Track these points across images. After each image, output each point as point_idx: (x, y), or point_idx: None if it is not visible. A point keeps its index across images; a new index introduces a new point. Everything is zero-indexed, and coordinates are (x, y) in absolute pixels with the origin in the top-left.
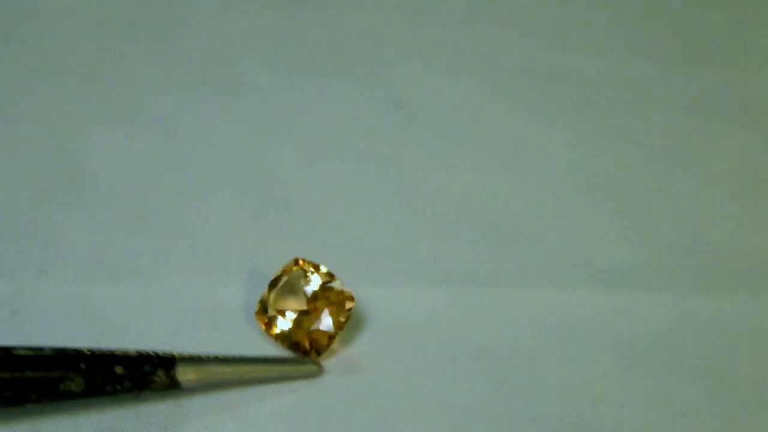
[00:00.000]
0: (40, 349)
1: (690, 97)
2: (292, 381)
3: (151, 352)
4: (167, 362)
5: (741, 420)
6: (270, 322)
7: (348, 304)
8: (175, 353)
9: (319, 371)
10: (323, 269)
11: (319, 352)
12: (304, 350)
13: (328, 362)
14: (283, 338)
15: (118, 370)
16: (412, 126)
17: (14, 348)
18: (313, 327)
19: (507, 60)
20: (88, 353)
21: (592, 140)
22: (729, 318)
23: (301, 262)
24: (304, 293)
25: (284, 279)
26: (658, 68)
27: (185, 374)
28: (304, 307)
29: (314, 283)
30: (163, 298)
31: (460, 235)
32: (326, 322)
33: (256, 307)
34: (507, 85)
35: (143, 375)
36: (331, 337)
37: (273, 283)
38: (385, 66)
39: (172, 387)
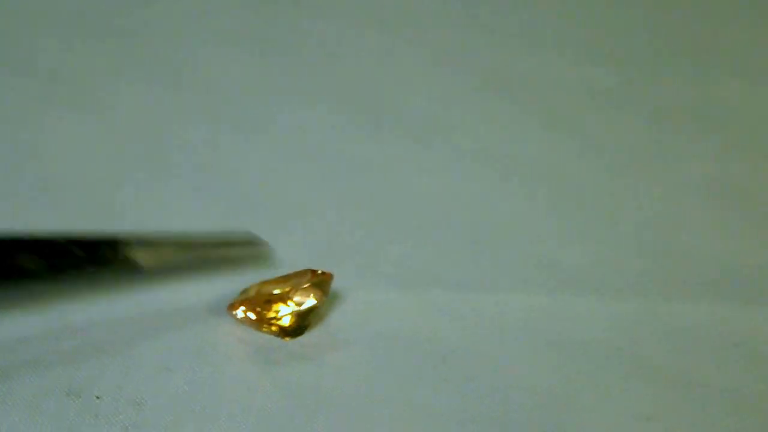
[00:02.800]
0: None
1: (656, 105)
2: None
3: (108, 234)
4: (125, 243)
5: (706, 425)
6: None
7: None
8: (132, 235)
9: (268, 255)
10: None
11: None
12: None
13: (288, 366)
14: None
15: (77, 251)
16: (381, 129)
17: None
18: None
19: (475, 65)
20: (44, 238)
21: (559, 146)
22: (695, 323)
23: None
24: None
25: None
26: (625, 76)
27: (142, 255)
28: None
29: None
30: (127, 298)
31: (426, 240)
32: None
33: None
34: (475, 91)
35: (102, 256)
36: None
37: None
38: (352, 68)
39: (130, 265)
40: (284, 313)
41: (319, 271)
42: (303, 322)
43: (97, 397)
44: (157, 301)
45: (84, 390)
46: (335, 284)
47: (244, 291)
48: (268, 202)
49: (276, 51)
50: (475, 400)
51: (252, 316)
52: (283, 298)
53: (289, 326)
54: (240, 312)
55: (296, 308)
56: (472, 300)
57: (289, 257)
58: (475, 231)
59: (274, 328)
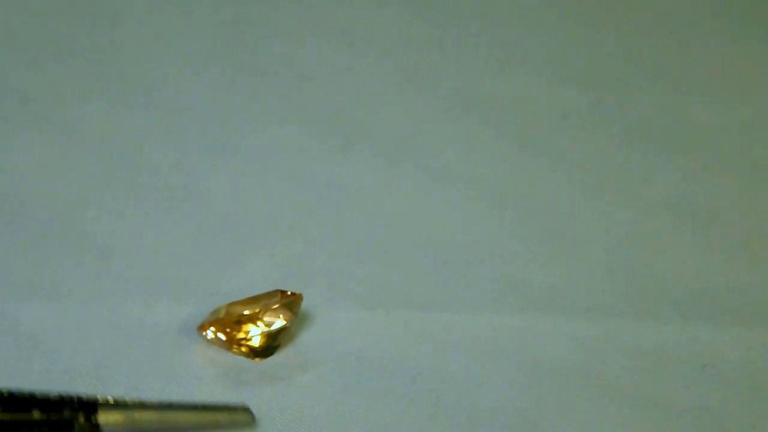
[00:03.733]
0: None
1: (625, 125)
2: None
3: (73, 395)
4: (89, 406)
5: None
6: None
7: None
8: (98, 397)
9: (252, 421)
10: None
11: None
12: (255, 350)
13: (258, 387)
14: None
15: (36, 414)
16: (350, 150)
17: None
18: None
19: (445, 86)
20: (4, 395)
21: (529, 167)
22: (663, 344)
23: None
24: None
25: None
26: (594, 97)
27: (107, 419)
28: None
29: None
30: (96, 319)
31: (396, 260)
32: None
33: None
34: (444, 111)
35: (63, 420)
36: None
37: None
38: (321, 89)
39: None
40: (254, 334)
41: (289, 292)
42: (273, 343)
43: None
44: (127, 322)
45: None
46: (305, 305)
47: (214, 312)
48: (237, 224)
49: (244, 72)
50: (444, 420)
51: (222, 336)
52: (253, 319)
53: (259, 347)
54: (210, 333)
55: (266, 329)
56: (441, 320)
57: (259, 278)
58: (445, 251)
59: (243, 349)
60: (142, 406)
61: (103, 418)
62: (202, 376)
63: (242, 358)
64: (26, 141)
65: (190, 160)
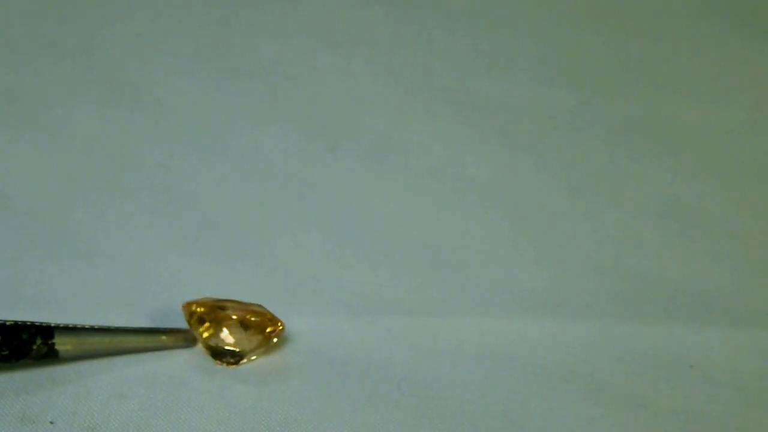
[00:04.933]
0: None
1: (612, 126)
2: (169, 350)
3: (28, 322)
4: (45, 331)
5: None
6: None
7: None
8: (52, 323)
9: (194, 342)
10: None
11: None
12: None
13: (245, 392)
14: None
15: None
16: (336, 151)
17: None
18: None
19: (431, 86)
20: None
21: (516, 167)
22: (650, 345)
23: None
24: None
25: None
26: (582, 98)
27: (63, 344)
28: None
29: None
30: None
31: (381, 263)
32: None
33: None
34: (431, 111)
35: (21, 344)
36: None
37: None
38: (307, 89)
39: (50, 356)
40: (217, 340)
41: (270, 328)
42: (231, 358)
43: (51, 423)
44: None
45: (38, 415)
46: (289, 309)
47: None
48: (222, 224)
49: (230, 72)
50: (430, 425)
51: (201, 322)
52: (227, 324)
53: (216, 351)
54: (187, 314)
55: (228, 341)
56: (427, 324)
57: (242, 281)
58: (431, 254)
59: (206, 348)
60: (94, 330)
61: (59, 341)
62: (186, 381)
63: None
64: (10, 140)
65: (176, 161)
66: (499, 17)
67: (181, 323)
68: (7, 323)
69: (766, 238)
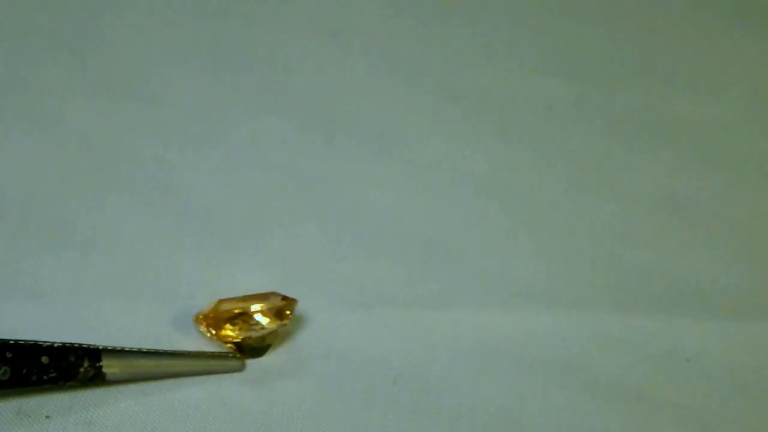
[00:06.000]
0: None
1: (609, 119)
2: (216, 375)
3: (76, 344)
4: (93, 354)
5: None
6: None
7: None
8: (100, 346)
9: (242, 367)
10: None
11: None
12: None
13: (241, 386)
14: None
15: (44, 360)
16: (333, 143)
17: None
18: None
19: (429, 78)
20: (13, 343)
21: (513, 160)
22: (647, 338)
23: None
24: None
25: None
26: (579, 90)
27: (110, 366)
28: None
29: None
30: (77, 317)
31: (378, 256)
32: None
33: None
34: (428, 103)
35: (69, 366)
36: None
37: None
38: (304, 81)
39: (97, 378)
40: (242, 334)
41: (282, 297)
42: (261, 344)
43: (47, 417)
44: (106, 321)
45: (33, 410)
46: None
47: (210, 305)
48: (218, 218)
49: (227, 64)
50: (426, 420)
51: (212, 331)
52: (243, 318)
53: (246, 346)
54: (202, 327)
55: (254, 330)
56: (424, 318)
57: (239, 274)
58: (428, 246)
59: (230, 347)
60: (142, 353)
61: (107, 363)
62: (182, 379)
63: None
64: (6, 132)
65: (173, 153)
66: (497, 8)
67: (180, 315)
68: (55, 345)
69: (763, 231)
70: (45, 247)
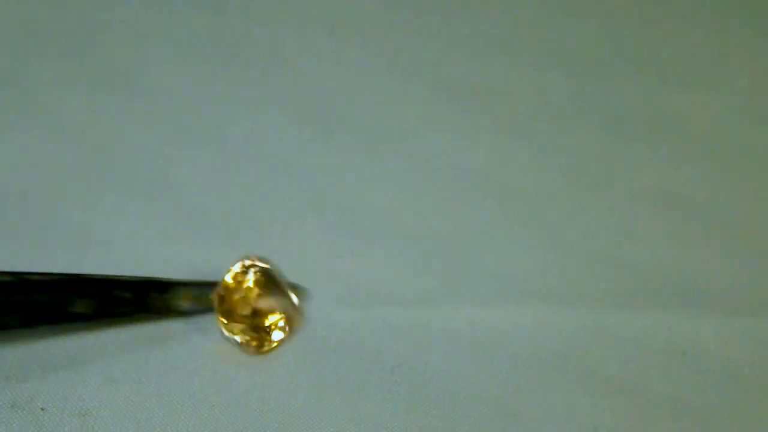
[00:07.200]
0: (50, 274)
1: (608, 114)
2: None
3: (146, 277)
4: (162, 286)
5: None
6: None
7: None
8: (170, 279)
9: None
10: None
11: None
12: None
13: (237, 377)
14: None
15: (124, 293)
16: (331, 137)
17: (25, 273)
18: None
19: (427, 73)
20: (87, 278)
21: (511, 155)
22: (643, 333)
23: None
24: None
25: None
26: (576, 84)
27: (179, 296)
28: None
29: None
30: None
31: (375, 251)
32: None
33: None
34: (426, 98)
35: (140, 298)
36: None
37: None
38: (303, 76)
39: (172, 311)
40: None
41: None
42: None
43: (42, 409)
44: None
45: (28, 402)
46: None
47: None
48: (215, 212)
49: (225, 58)
50: (422, 412)
51: (224, 321)
52: (258, 323)
53: (257, 346)
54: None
55: (271, 334)
56: (420, 312)
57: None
58: (424, 241)
59: (254, 343)
60: (210, 284)
61: (175, 296)
62: (179, 367)
63: (217, 349)
64: (2, 127)
65: (170, 148)
66: (495, 3)
67: None
68: (126, 279)
69: (761, 226)
70: (40, 242)
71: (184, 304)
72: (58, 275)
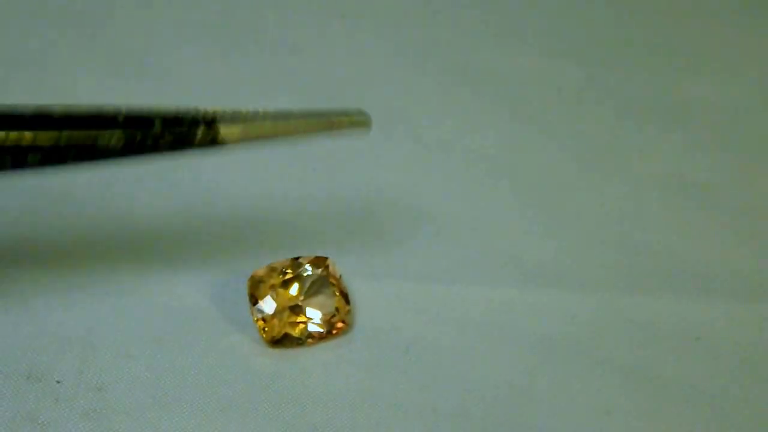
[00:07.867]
0: (78, 106)
1: (620, 100)
2: (339, 131)
3: (191, 109)
4: (208, 119)
5: (665, 419)
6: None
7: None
8: (217, 110)
9: (368, 122)
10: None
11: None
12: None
13: (252, 355)
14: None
15: (158, 127)
16: None
17: (46, 105)
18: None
19: (439, 58)
20: (126, 113)
21: (523, 140)
22: (656, 318)
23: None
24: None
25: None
26: (590, 71)
27: (227, 131)
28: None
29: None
30: (85, 287)
31: (389, 232)
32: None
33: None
34: (438, 84)
35: (184, 133)
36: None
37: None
38: (314, 61)
39: (215, 144)
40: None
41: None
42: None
43: (58, 382)
44: (118, 288)
45: (44, 374)
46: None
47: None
48: (226, 198)
49: (236, 43)
50: (436, 392)
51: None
52: (295, 321)
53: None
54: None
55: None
56: (435, 293)
57: (248, 251)
58: (438, 224)
59: (296, 333)
60: (259, 116)
61: (224, 129)
62: (194, 343)
63: (230, 326)
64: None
65: None
66: None
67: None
68: (171, 112)
69: None
70: (53, 221)
71: (231, 136)
72: (86, 107)
